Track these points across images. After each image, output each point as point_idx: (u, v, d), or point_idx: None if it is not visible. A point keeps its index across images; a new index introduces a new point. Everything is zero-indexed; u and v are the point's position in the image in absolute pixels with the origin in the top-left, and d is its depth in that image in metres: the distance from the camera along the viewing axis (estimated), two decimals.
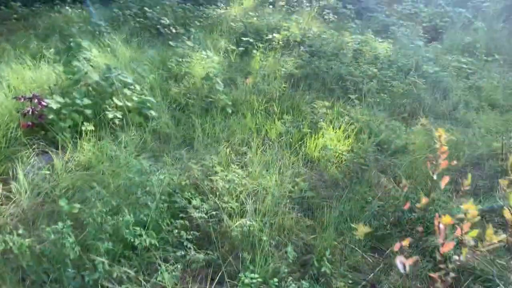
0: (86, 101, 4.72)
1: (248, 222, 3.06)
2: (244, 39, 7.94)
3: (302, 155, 4.46)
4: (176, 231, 3.08)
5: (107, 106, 4.84)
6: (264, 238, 2.99)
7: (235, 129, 4.99)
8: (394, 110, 6.03)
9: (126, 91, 5.08)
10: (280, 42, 8.19)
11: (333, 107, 5.58)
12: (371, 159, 4.33)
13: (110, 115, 4.73)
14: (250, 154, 4.36)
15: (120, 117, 4.81)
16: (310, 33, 8.84)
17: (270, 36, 8.21)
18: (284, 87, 6.24)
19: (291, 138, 4.82)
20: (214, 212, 3.30)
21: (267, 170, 4.02)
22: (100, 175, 3.85)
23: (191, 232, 3.11)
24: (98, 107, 4.86)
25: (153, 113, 5.06)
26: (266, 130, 5.09)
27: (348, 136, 4.85)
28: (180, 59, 6.70)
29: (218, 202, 3.39)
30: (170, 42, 7.24)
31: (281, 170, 4.05)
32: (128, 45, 7.33)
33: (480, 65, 7.88)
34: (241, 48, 7.65)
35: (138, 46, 7.56)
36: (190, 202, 3.36)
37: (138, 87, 5.23)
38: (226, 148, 4.48)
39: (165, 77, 6.20)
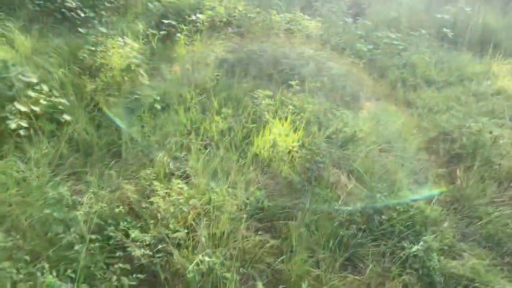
0: None
1: (206, 259, 2.49)
2: (165, 21, 7.11)
3: (251, 156, 3.93)
4: (115, 277, 2.44)
5: (8, 114, 3.92)
6: (228, 275, 2.46)
7: (168, 129, 4.32)
8: (336, 94, 5.70)
9: (30, 93, 4.16)
10: (205, 23, 7.48)
11: (274, 96, 5.09)
12: (325, 154, 3.92)
13: (13, 125, 3.84)
14: (192, 161, 3.75)
15: (26, 126, 3.92)
16: (236, 12, 8.21)
17: (193, 17, 7.45)
18: (218, 75, 5.62)
19: (235, 136, 4.27)
20: (159, 246, 2.69)
21: (214, 180, 3.46)
22: (5, 206, 3.04)
23: (134, 276, 2.49)
24: None
25: (67, 117, 4.22)
26: (205, 128, 4.48)
27: (297, 129, 4.41)
28: (93, 48, 5.77)
29: (162, 231, 2.77)
30: (79, 29, 6.23)
31: (230, 178, 3.51)
32: (28, 33, 6.19)
33: (409, 41, 7.83)
34: (162, 32, 6.83)
35: (40, 34, 6.41)
36: (127, 235, 2.72)
37: (45, 87, 4.33)
38: (162, 155, 3.81)
39: (77, 72, 5.28)
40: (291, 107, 4.83)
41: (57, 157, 3.73)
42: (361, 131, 4.60)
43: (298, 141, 4.20)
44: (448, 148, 4.35)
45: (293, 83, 5.42)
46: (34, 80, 4.28)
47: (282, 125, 4.39)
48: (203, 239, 2.67)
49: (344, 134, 4.49)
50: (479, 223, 3.50)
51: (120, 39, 5.90)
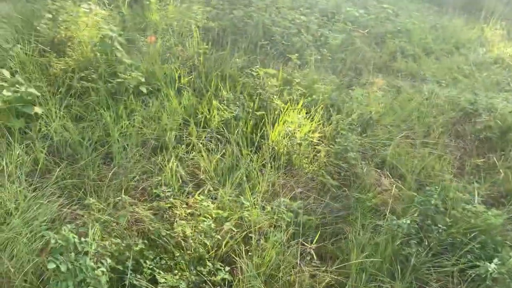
0: None
1: None
2: None
3: (269, 153, 3.36)
4: None
5: None
6: None
7: (164, 122, 3.64)
8: (337, 67, 5.17)
9: None
10: None
11: (276, 74, 4.47)
12: (353, 147, 3.44)
13: None
14: (203, 163, 3.15)
15: None
16: None
17: None
18: (205, 48, 4.89)
19: (244, 127, 3.67)
20: None
21: (237, 188, 2.90)
22: None
23: None
24: None
25: (38, 110, 3.41)
26: (205, 116, 3.84)
27: (311, 115, 3.86)
28: (52, 16, 4.82)
29: (198, 270, 2.21)
30: None
31: (254, 185, 2.96)
32: None
33: (397, 4, 7.35)
34: None
35: None
36: (155, 281, 2.13)
37: (5, 72, 3.46)
38: (167, 158, 3.17)
39: (38, 48, 4.36)
40: (298, 87, 4.26)
41: (34, 166, 2.98)
42: (377, 114, 4.14)
43: (318, 132, 3.67)
44: (473, 130, 3.99)
45: (293, 56, 4.81)
46: None
47: (294, 111, 3.83)
48: (251, 277, 2.14)
49: (359, 117, 4.01)
50: None
51: (85, 5, 4.96)
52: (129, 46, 4.92)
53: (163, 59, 4.68)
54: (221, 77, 4.51)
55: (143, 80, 4.08)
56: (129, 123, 3.55)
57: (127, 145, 3.35)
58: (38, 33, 4.59)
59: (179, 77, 4.38)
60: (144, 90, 4.07)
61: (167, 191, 2.70)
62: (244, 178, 2.88)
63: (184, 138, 3.55)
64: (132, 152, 3.29)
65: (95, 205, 2.51)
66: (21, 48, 4.17)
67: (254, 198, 2.73)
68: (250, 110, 3.90)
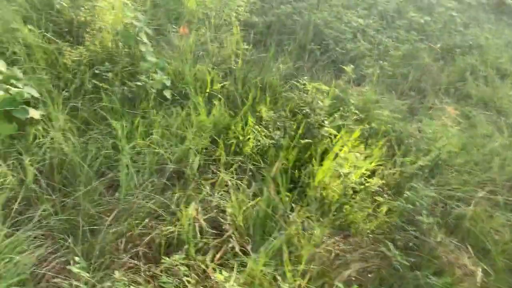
0: None
1: None
2: None
3: (316, 202, 2.63)
4: None
5: None
6: None
7: (189, 143, 2.93)
8: (397, 85, 4.35)
9: None
10: None
11: (325, 84, 3.69)
12: (423, 204, 2.67)
13: None
14: (231, 209, 2.44)
15: None
16: None
17: None
18: (245, 48, 4.15)
19: (284, 158, 2.94)
20: None
21: (274, 258, 2.19)
22: None
23: None
24: None
25: (35, 113, 2.75)
26: (238, 139, 3.12)
27: (368, 145, 3.10)
28: None
29: None
30: None
31: (296, 255, 2.24)
32: None
33: (467, 12, 6.40)
34: None
35: None
36: None
37: (0, 64, 2.81)
38: (186, 196, 2.48)
39: (52, 31, 3.71)
40: (353, 109, 3.49)
41: (20, 194, 2.33)
42: (448, 153, 3.34)
43: (377, 174, 2.92)
44: None
45: (347, 68, 4.02)
46: None
47: (348, 142, 3.07)
48: None
49: (429, 158, 3.22)
50: None
51: None
52: (157, 36, 4.24)
53: (195, 57, 3.98)
54: (261, 85, 3.78)
55: (168, 83, 3.39)
56: (145, 140, 2.86)
57: (139, 170, 2.68)
58: (54, 13, 3.95)
59: (212, 81, 3.67)
60: (168, 96, 3.38)
61: (179, 260, 2.00)
62: (284, 246, 2.15)
63: (210, 168, 2.85)
64: (143, 178, 2.61)
65: (81, 275, 1.84)
66: (30, 30, 3.52)
67: (297, 280, 2.02)
68: (293, 133, 3.16)
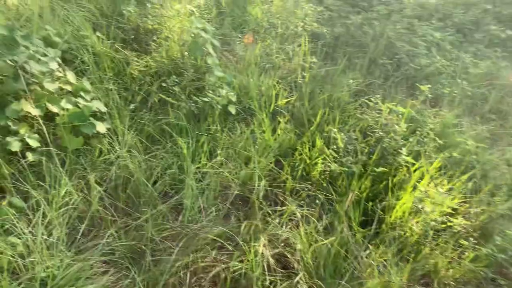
0: None
1: None
2: None
3: (394, 243, 2.39)
4: None
5: (10, 124, 2.43)
6: None
7: (252, 165, 2.78)
8: (475, 107, 3.99)
9: (47, 82, 2.63)
10: None
11: (399, 108, 3.42)
12: None
13: (15, 145, 2.37)
14: (300, 244, 2.25)
15: (38, 145, 2.45)
16: None
17: None
18: (313, 61, 3.95)
19: (357, 188, 2.71)
20: None
21: None
22: None
23: None
24: None
25: (102, 129, 2.69)
26: (305, 162, 2.92)
27: (450, 177, 2.81)
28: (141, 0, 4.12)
29: None
30: None
31: None
32: None
33: None
34: None
35: None
36: None
37: (70, 76, 2.77)
38: (254, 226, 2.32)
39: (120, 39, 3.69)
40: (432, 135, 3.19)
41: (88, 216, 2.26)
42: None
43: (460, 213, 2.63)
44: None
45: (423, 87, 3.72)
46: (51, 55, 2.70)
47: (427, 174, 2.79)
48: None
49: None
50: None
51: None
52: (222, 46, 4.13)
53: (260, 69, 3.83)
54: (329, 103, 3.56)
55: (234, 98, 3.25)
56: (209, 161, 2.73)
57: (203, 191, 2.55)
58: (121, 19, 3.93)
59: (277, 95, 3.50)
60: (233, 111, 3.25)
61: None
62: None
63: (275, 194, 2.68)
64: (207, 202, 2.48)
65: None
66: (98, 38, 3.50)
67: None
68: (364, 157, 2.92)
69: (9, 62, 2.39)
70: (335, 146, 3.04)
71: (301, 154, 2.98)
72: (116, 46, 3.50)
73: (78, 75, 3.21)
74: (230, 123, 3.21)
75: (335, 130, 3.13)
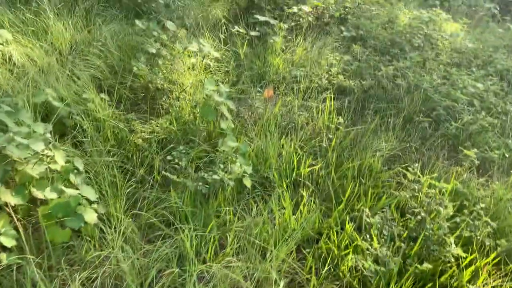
0: None
1: None
2: (258, 16, 4.98)
3: None
4: None
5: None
6: None
7: (268, 267, 2.32)
8: None
9: (30, 166, 2.27)
10: (310, 19, 5.32)
11: (442, 184, 2.91)
12: None
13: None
14: None
15: (14, 244, 2.07)
16: (349, 3, 5.90)
17: (294, 9, 5.28)
18: (339, 122, 3.51)
19: None
20: None
21: None
22: None
23: None
24: None
25: (93, 218, 2.30)
26: (333, 253, 2.45)
27: (508, 279, 2.28)
28: (155, 52, 3.82)
29: None
30: (137, 21, 4.25)
31: None
32: (72, 15, 4.32)
33: None
34: (254, 33, 4.74)
35: (86, 18, 4.55)
36: None
37: (58, 156, 2.41)
38: None
39: (127, 98, 3.37)
40: (483, 216, 2.67)
41: None
42: None
43: None
44: None
45: (469, 153, 3.22)
46: (43, 133, 2.36)
47: (483, 273, 2.27)
48: None
49: None
50: None
51: (196, 43, 3.92)
52: (238, 102, 3.77)
53: (280, 129, 3.42)
54: (358, 174, 3.10)
55: (248, 171, 2.84)
56: (218, 255, 2.30)
57: None
58: (132, 77, 3.63)
59: (298, 162, 3.07)
60: (248, 185, 2.82)
61: None
62: None
63: None
64: None
65: None
66: (102, 99, 3.20)
67: None
68: (403, 244, 2.42)
69: None
70: (367, 235, 2.55)
71: (327, 242, 2.51)
72: (120, 112, 3.18)
73: (76, 146, 2.89)
74: (244, 200, 2.78)
75: (368, 212, 2.66)
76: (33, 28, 4.04)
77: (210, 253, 2.32)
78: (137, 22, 4.14)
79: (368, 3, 5.96)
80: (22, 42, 3.77)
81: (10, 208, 2.13)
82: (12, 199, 2.14)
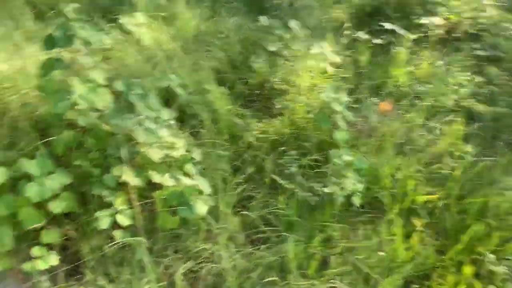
0: None
1: None
2: (383, 23, 4.71)
3: None
4: None
5: (106, 194, 2.18)
6: None
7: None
8: None
9: (153, 150, 2.34)
10: (439, 32, 4.91)
11: None
12: None
13: (104, 223, 2.09)
14: None
15: (129, 223, 2.15)
16: (482, 17, 5.34)
17: (424, 20, 4.90)
18: (467, 151, 3.17)
19: None
20: None
21: None
22: None
23: None
24: None
25: (203, 210, 2.30)
26: None
27: None
28: (273, 51, 3.78)
29: None
30: (260, 17, 4.20)
31: None
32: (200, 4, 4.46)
33: None
34: (377, 41, 4.50)
35: (212, 9, 4.67)
36: None
37: (179, 144, 2.46)
38: None
39: (244, 94, 3.38)
40: None
41: None
42: None
43: None
44: None
45: None
46: (167, 119, 2.42)
47: None
48: None
49: None
50: None
51: (316, 47, 3.81)
52: (353, 112, 3.58)
53: (397, 148, 3.18)
54: (483, 209, 2.76)
55: (360, 188, 2.67)
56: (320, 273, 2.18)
57: None
58: (251, 73, 3.64)
59: (415, 187, 2.82)
60: (357, 203, 2.65)
61: None
62: None
63: None
64: None
65: None
66: (222, 93, 3.23)
67: None
68: None
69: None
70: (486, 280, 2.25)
71: (440, 283, 2.27)
72: (237, 107, 3.19)
73: (193, 134, 2.95)
74: (351, 219, 2.62)
75: (491, 257, 2.35)
76: (163, 14, 4.22)
77: (313, 269, 2.21)
78: (260, 18, 4.12)
79: (509, 21, 5.35)
80: (152, 26, 3.95)
81: (129, 188, 2.21)
82: (133, 180, 2.22)
